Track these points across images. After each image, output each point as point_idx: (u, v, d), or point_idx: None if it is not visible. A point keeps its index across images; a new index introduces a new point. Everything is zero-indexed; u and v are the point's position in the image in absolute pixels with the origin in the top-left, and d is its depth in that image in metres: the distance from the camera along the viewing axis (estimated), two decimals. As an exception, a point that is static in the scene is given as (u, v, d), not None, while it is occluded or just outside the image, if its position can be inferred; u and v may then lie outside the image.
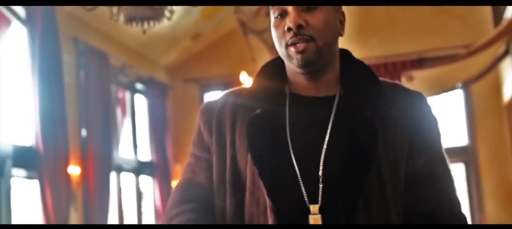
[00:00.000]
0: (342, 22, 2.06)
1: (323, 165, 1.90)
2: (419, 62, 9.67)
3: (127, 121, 9.60)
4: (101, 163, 7.71)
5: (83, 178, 7.46)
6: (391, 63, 9.81)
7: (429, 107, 2.05)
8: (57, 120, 6.78)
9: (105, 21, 6.10)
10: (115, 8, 5.42)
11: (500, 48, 7.65)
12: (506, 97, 8.74)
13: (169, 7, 5.45)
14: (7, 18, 6.70)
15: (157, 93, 9.94)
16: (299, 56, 1.91)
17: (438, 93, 9.04)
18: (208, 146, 2.04)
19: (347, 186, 1.87)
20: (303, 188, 1.89)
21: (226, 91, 2.13)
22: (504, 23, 7.35)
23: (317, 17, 1.92)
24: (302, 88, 2.01)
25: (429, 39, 9.78)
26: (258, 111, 1.98)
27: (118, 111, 9.34)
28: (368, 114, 1.94)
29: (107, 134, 8.01)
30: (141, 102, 10.03)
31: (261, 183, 1.88)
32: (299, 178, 1.90)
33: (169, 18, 5.54)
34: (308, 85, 2.00)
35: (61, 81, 6.96)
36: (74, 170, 7.23)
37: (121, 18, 5.43)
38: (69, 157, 7.01)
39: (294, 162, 1.91)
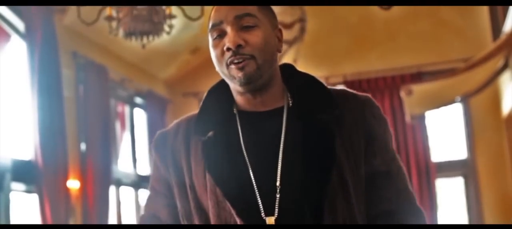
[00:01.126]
0: (280, 39, 2.06)
1: (281, 175, 1.91)
2: (418, 76, 9.68)
3: (126, 135, 9.60)
4: (100, 177, 7.71)
5: (82, 192, 7.45)
6: (390, 77, 9.82)
7: (379, 108, 2.10)
8: (56, 134, 6.78)
9: (105, 35, 6.11)
10: (114, 23, 5.43)
11: (499, 61, 7.65)
12: (505, 110, 8.74)
13: (168, 22, 5.46)
14: (6, 32, 6.71)
15: (156, 107, 9.95)
16: (240, 74, 1.91)
17: (438, 106, 9.04)
18: (166, 179, 2.07)
19: (309, 190, 1.89)
20: (260, 202, 1.90)
21: (177, 120, 2.14)
22: (503, 36, 7.36)
23: (256, 35, 1.92)
24: (248, 105, 2.02)
25: (428, 53, 9.80)
26: (210, 133, 1.99)
27: (117, 125, 9.34)
28: (322, 117, 1.97)
29: (106, 148, 8.01)
30: (140, 116, 10.03)
31: (227, 204, 1.89)
32: (257, 193, 1.91)
33: (168, 33, 5.55)
34: (254, 102, 2.01)
35: (61, 95, 6.96)
36: (73, 184, 7.22)
37: (121, 32, 5.44)
38: (68, 171, 7.00)
39: (252, 178, 1.92)
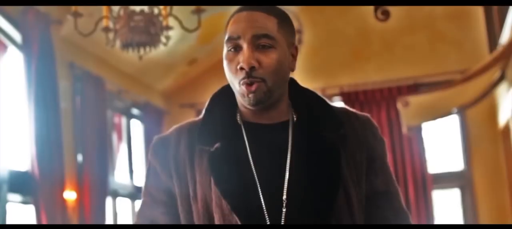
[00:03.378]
0: (295, 57, 2.06)
1: (287, 190, 1.92)
2: (415, 88, 9.68)
3: (123, 146, 9.59)
4: (97, 188, 7.69)
5: (79, 203, 7.44)
6: (387, 89, 9.82)
7: (378, 129, 2.13)
8: (53, 145, 6.77)
9: (101, 46, 6.10)
10: (111, 34, 5.42)
11: (495, 73, 7.67)
12: (501, 122, 8.74)
13: (165, 33, 5.46)
14: (3, 43, 6.71)
15: (153, 118, 9.94)
16: (251, 96, 1.92)
17: (434, 118, 9.04)
18: (167, 187, 2.05)
19: (316, 206, 1.90)
20: (266, 216, 1.91)
21: (176, 126, 2.12)
22: (499, 48, 7.37)
23: (271, 57, 1.92)
24: (254, 117, 2.02)
25: (424, 65, 9.81)
26: (217, 145, 1.98)
27: (114, 136, 9.32)
28: (329, 136, 1.99)
29: (103, 159, 8.00)
30: (137, 127, 10.02)
31: (234, 217, 1.88)
32: (264, 206, 1.91)
33: (165, 44, 5.54)
34: (260, 116, 2.02)
35: (57, 106, 6.96)
36: (69, 195, 7.21)
37: (117, 43, 5.43)
38: (65, 182, 6.99)
39: (260, 191, 1.93)
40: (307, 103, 2.08)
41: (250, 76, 1.90)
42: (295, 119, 2.04)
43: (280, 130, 2.01)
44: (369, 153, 2.05)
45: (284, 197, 1.91)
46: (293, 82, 2.14)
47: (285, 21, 1.99)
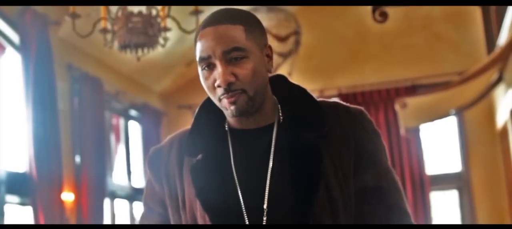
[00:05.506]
0: (270, 57, 2.00)
1: (268, 196, 1.90)
2: (413, 89, 9.69)
3: (121, 147, 9.59)
4: (95, 189, 7.69)
5: (76, 204, 7.44)
6: (385, 90, 9.83)
7: (371, 122, 2.05)
8: (50, 147, 6.77)
9: (99, 47, 6.10)
10: (109, 35, 5.42)
11: (493, 75, 7.67)
12: (499, 124, 8.75)
13: (163, 34, 5.45)
14: (1, 44, 6.71)
15: (151, 119, 9.94)
16: (233, 107, 1.88)
17: (432, 120, 9.06)
18: (161, 198, 2.06)
19: (295, 212, 1.87)
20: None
21: (170, 136, 2.12)
22: (497, 50, 7.37)
23: (245, 68, 1.88)
24: (240, 123, 1.99)
25: (422, 66, 9.81)
26: (199, 156, 1.97)
27: (112, 138, 9.33)
28: (310, 136, 1.94)
29: (101, 160, 7.99)
30: (135, 129, 10.02)
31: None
32: (245, 216, 1.90)
33: (163, 46, 5.54)
34: (246, 122, 1.99)
35: (55, 108, 6.95)
36: (67, 196, 7.20)
37: (115, 45, 5.42)
38: (63, 183, 6.99)
39: (241, 200, 1.92)
40: (293, 101, 2.03)
41: (229, 90, 1.87)
42: (281, 120, 2.00)
43: (265, 133, 1.98)
44: (358, 148, 1.97)
45: (265, 205, 1.89)
46: (282, 79, 2.11)
47: (252, 26, 1.94)
